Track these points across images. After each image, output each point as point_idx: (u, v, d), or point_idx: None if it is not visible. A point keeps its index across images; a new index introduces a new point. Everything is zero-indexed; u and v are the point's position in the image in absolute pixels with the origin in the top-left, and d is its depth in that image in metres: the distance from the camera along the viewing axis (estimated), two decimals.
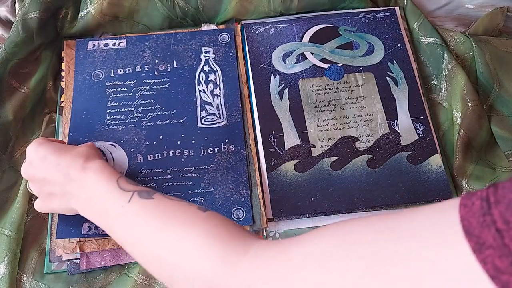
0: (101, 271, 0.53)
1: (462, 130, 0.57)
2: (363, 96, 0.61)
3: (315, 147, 0.58)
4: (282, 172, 0.57)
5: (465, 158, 0.57)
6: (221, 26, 0.67)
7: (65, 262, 0.53)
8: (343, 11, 0.68)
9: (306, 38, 0.65)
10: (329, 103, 0.61)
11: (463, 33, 0.64)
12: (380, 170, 0.57)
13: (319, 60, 0.64)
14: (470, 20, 0.68)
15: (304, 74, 0.63)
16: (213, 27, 0.66)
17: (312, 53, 0.64)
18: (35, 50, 0.63)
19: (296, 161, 0.58)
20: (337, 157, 0.58)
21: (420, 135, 0.59)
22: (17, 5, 0.63)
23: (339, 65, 0.63)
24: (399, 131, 0.59)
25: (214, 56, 0.64)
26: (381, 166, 0.57)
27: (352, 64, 0.64)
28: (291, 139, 0.59)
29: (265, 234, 0.55)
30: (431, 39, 0.64)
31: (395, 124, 0.60)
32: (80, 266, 0.52)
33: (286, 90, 0.62)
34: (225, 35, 0.65)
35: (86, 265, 0.52)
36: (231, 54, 0.64)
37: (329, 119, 0.60)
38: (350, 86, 0.62)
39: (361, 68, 0.63)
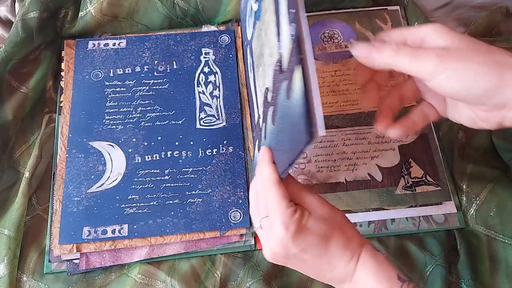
0: (100, 271, 0.54)
1: (461, 130, 0.57)
2: None
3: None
4: None
5: (464, 158, 0.57)
6: (221, 27, 0.66)
7: (65, 262, 0.53)
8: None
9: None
10: None
11: (463, 33, 0.64)
12: None
13: None
14: (470, 20, 0.67)
15: None
16: (213, 28, 0.66)
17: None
18: (35, 50, 0.63)
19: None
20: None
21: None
22: (17, 4, 0.63)
23: None
24: None
25: (214, 57, 0.64)
26: None
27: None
28: None
29: None
30: None
31: None
32: (80, 266, 0.53)
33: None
34: (225, 37, 0.65)
35: (86, 265, 0.53)
36: (231, 55, 0.64)
37: None
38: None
39: None
